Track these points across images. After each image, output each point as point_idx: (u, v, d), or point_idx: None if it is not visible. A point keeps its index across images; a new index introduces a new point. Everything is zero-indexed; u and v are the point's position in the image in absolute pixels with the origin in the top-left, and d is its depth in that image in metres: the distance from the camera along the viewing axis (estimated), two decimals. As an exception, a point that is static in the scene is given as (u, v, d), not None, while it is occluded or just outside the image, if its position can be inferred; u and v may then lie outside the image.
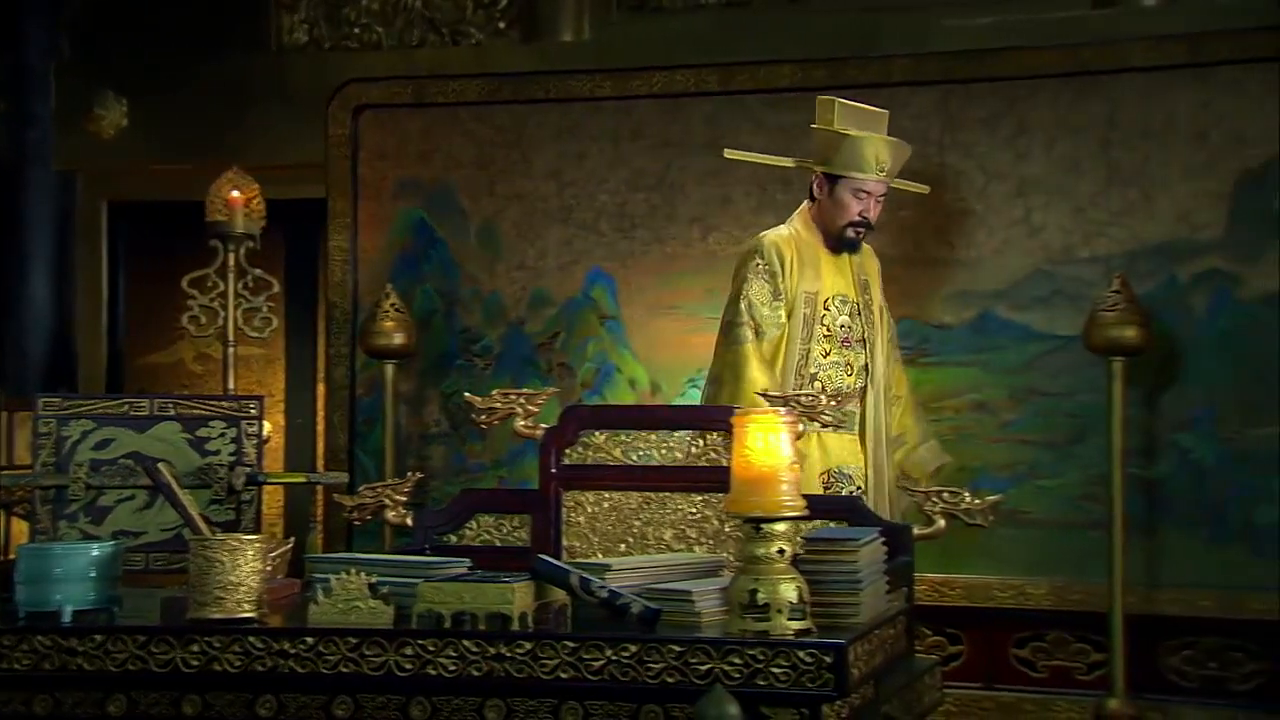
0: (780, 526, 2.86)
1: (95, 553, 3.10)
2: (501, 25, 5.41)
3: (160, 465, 3.56)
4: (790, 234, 4.30)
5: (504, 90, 5.15)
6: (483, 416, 3.92)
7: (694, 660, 2.77)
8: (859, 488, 4.19)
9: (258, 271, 5.11)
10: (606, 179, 5.07)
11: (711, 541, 3.62)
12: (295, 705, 2.91)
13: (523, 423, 3.88)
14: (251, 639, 2.91)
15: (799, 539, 3.14)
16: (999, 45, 4.72)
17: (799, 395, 3.79)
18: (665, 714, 2.79)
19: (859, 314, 4.30)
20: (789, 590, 2.83)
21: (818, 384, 4.21)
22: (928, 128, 4.78)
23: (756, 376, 4.10)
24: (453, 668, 2.86)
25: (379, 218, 5.24)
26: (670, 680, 2.77)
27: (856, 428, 4.25)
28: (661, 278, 5.02)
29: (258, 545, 2.99)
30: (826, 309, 4.25)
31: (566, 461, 3.74)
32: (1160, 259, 4.57)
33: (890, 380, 4.37)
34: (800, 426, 3.64)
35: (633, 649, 2.80)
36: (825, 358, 4.24)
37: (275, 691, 2.92)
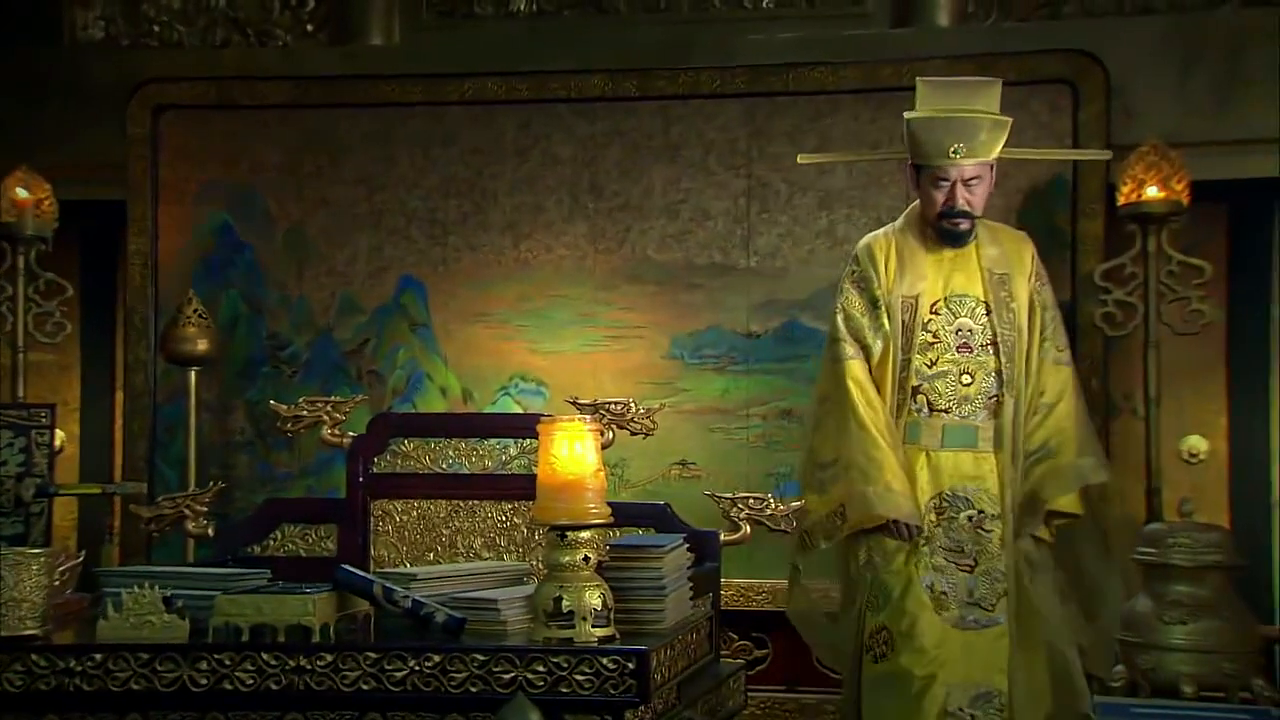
0: (586, 534, 2.89)
1: None
2: (310, 28, 5.31)
3: (-62, 478, 3.40)
4: (889, 234, 3.84)
5: (312, 93, 5.07)
6: (289, 425, 3.86)
7: (498, 669, 2.77)
8: (980, 511, 3.65)
9: (50, 275, 4.92)
10: (417, 185, 5.04)
11: (521, 549, 3.64)
12: (83, 725, 2.81)
13: (329, 431, 3.83)
14: (34, 657, 2.81)
15: (605, 546, 3.17)
16: (802, 61, 4.84)
17: (609, 403, 3.79)
18: (469, 723, 2.78)
19: (990, 313, 3.72)
20: (593, 597, 2.85)
21: (920, 398, 3.70)
22: (735, 139, 4.89)
23: (859, 405, 3.67)
24: (250, 681, 2.80)
25: (181, 221, 5.10)
26: (474, 689, 2.77)
27: (989, 443, 3.69)
28: (473, 285, 5.01)
29: (43, 559, 2.88)
30: (934, 313, 3.73)
31: (375, 470, 3.72)
32: (956, 270, 4.74)
33: (1042, 384, 3.75)
34: (609, 434, 3.69)
35: (436, 659, 2.79)
36: (930, 368, 3.70)
37: (60, 711, 2.82)
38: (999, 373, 3.71)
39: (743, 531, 3.74)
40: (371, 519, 3.70)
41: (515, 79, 4.96)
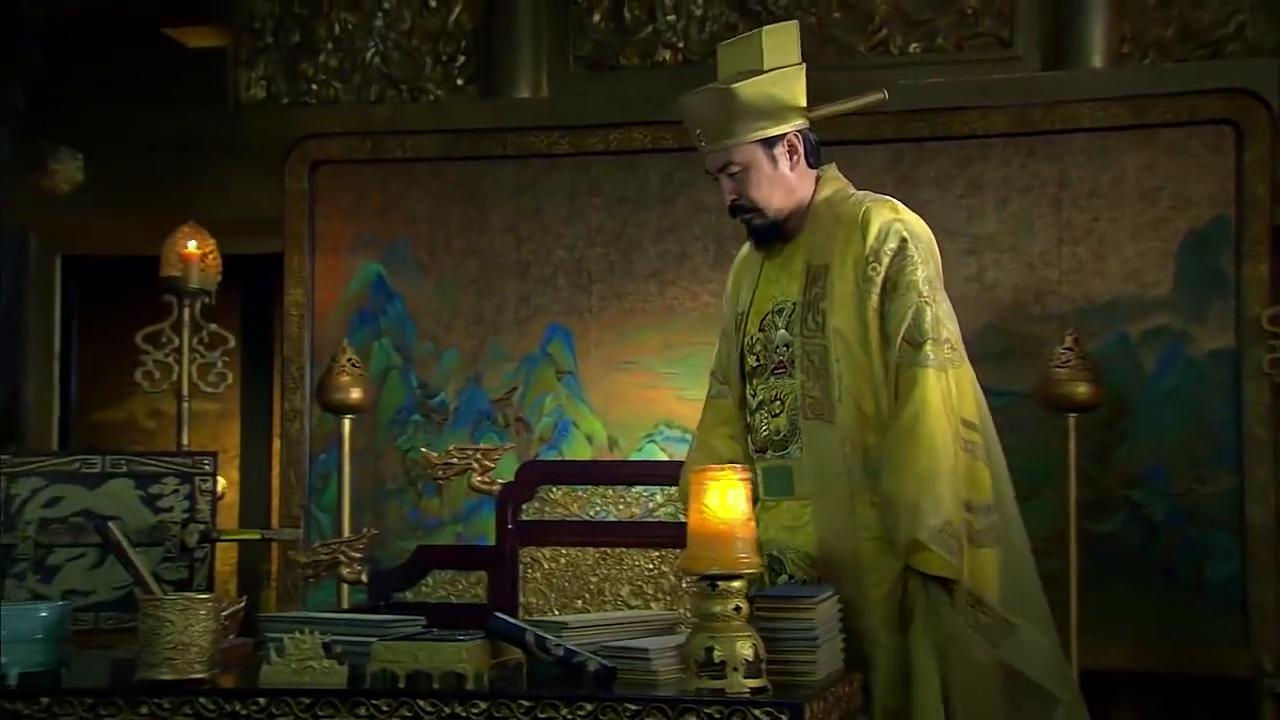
0: (737, 583, 2.86)
1: (43, 614, 3.05)
2: (460, 82, 5.44)
3: (110, 523, 3.51)
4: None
5: (461, 146, 5.18)
6: (439, 472, 3.92)
7: (650, 719, 2.75)
8: (790, 577, 3.03)
9: (213, 326, 5.09)
10: (563, 234, 5.11)
11: (668, 598, 3.62)
12: (247, 767, 2.86)
13: (479, 478, 3.88)
14: (203, 700, 2.87)
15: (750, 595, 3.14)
16: (951, 105, 4.80)
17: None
18: (621, 773, 2.76)
19: (799, 320, 2.94)
20: (745, 648, 2.82)
21: (752, 437, 3.06)
22: (881, 185, 4.81)
23: (696, 446, 3.23)
24: (407, 728, 2.82)
25: (336, 273, 5.24)
26: (626, 739, 2.76)
27: (806, 485, 2.97)
28: (619, 333, 5.04)
29: (210, 604, 2.94)
30: (761, 330, 3.03)
31: (523, 517, 3.74)
32: (1111, 316, 4.64)
33: (889, 402, 2.85)
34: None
35: (588, 708, 2.78)
36: (754, 398, 3.03)
37: (226, 754, 2.87)
38: (800, 395, 2.91)
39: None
40: (520, 566, 3.72)
41: (660, 128, 5.00)
